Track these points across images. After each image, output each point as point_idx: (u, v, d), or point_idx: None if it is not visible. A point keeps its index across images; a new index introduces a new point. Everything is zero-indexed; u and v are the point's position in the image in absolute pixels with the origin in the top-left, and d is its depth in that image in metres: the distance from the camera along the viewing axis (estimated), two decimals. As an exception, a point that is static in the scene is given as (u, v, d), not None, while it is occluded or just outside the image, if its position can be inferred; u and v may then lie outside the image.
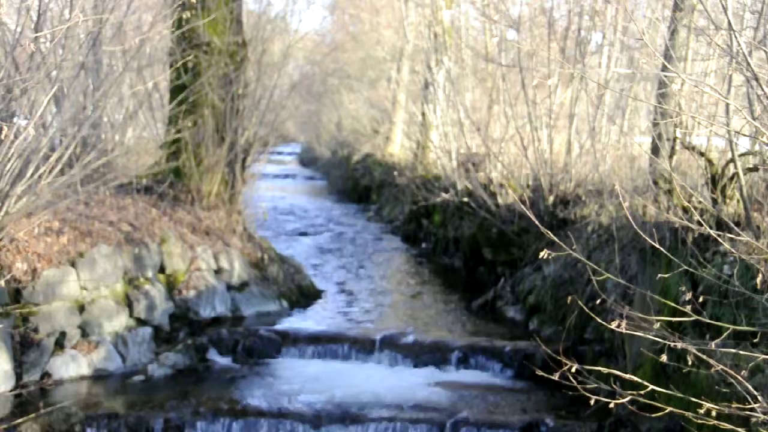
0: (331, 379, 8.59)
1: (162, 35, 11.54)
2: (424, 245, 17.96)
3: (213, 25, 11.70)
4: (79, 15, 4.28)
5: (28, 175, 7.55)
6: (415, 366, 9.09)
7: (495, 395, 8.22)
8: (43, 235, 8.59)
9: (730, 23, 4.61)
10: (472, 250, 14.08)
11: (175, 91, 11.83)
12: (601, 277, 5.06)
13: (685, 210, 7.06)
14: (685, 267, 5.54)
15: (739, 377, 4.32)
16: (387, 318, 11.22)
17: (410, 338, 9.55)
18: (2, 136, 6.90)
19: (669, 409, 4.51)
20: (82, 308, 8.62)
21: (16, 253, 8.16)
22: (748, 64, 4.59)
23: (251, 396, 8.03)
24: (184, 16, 11.11)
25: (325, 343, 9.41)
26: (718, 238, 4.67)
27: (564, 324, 9.43)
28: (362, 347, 9.31)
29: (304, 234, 19.26)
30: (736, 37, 4.56)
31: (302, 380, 8.55)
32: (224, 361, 9.17)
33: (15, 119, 7.69)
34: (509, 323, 11.04)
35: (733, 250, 4.89)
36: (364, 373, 8.87)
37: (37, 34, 7.36)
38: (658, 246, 5.08)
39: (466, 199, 14.20)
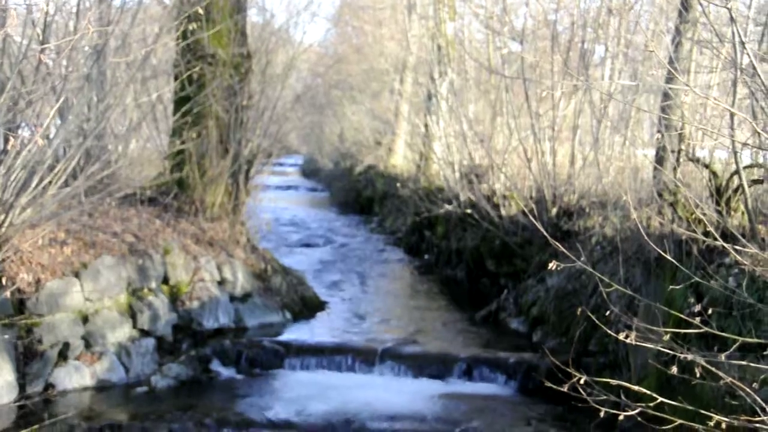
0: (333, 390, 8.55)
1: (167, 47, 11.58)
2: (426, 257, 17.93)
3: (218, 37, 11.73)
4: (88, 26, 4.29)
5: (33, 186, 7.58)
6: (418, 378, 9.06)
7: (499, 407, 8.19)
8: (47, 246, 8.59)
9: (737, 34, 4.61)
10: (475, 261, 14.06)
11: (180, 102, 11.85)
12: (609, 288, 5.05)
13: (690, 222, 7.06)
14: (693, 278, 5.52)
15: (748, 390, 4.29)
16: (390, 329, 11.18)
17: (413, 350, 9.54)
18: (8, 147, 6.93)
19: (679, 421, 4.48)
20: (85, 319, 8.62)
21: (20, 264, 8.17)
22: (756, 75, 4.59)
23: (254, 407, 8.01)
24: (189, 28, 11.15)
25: (328, 355, 9.38)
26: (727, 249, 4.66)
27: (567, 336, 9.40)
28: (365, 359, 9.28)
29: (306, 245, 19.24)
30: (745, 49, 4.56)
31: (305, 391, 8.53)
32: (227, 372, 9.15)
33: (20, 130, 7.71)
34: (512, 335, 11.01)
35: (743, 261, 4.87)
36: (367, 384, 8.84)
37: (43, 47, 7.38)
38: (667, 256, 5.07)
39: (469, 211, 14.19)
